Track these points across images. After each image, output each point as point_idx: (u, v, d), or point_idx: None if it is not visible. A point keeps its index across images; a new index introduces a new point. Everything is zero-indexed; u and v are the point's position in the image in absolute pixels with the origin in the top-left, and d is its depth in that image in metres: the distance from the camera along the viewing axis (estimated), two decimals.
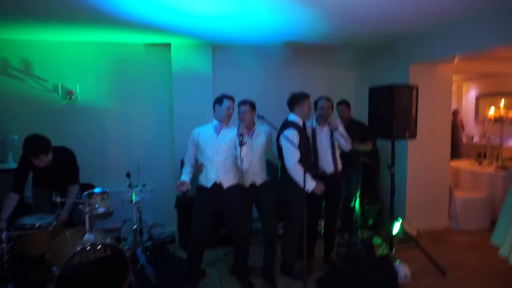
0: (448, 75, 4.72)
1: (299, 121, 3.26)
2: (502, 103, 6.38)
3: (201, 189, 3.10)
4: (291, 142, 2.90)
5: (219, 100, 3.05)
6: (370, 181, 4.84)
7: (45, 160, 3.05)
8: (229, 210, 3.10)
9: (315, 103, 3.55)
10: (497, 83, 8.33)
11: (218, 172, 3.03)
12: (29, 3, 2.92)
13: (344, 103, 4.32)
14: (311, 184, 3.13)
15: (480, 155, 5.52)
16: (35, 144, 2.99)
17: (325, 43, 4.70)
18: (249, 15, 3.36)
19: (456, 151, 7.69)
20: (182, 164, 4.31)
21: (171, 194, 4.49)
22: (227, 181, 3.08)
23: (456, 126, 7.83)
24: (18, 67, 4.15)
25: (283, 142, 3.09)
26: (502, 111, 6.16)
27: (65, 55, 4.28)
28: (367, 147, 4.02)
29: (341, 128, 3.35)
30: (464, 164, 5.42)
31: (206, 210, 3.08)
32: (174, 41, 4.36)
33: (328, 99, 3.52)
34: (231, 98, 3.05)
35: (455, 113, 8.19)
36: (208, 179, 3.05)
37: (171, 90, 4.46)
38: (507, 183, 4.38)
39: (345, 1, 2.97)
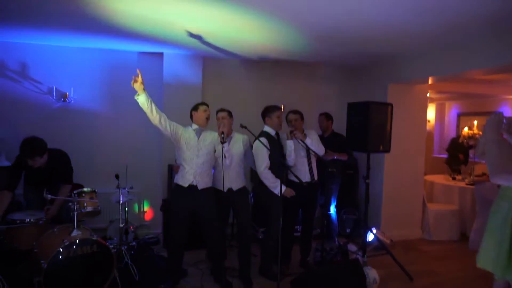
0: (423, 95, 5.03)
1: (271, 131, 3.51)
2: (476, 123, 6.76)
3: (178, 188, 3.24)
4: (262, 148, 3.13)
5: (194, 108, 3.30)
6: (348, 191, 5.10)
7: (39, 161, 3.19)
8: (202, 211, 3.24)
9: (286, 117, 3.73)
10: (477, 103, 8.79)
11: (195, 174, 3.18)
12: (29, 9, 3.07)
13: (323, 115, 4.62)
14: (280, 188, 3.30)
15: (455, 171, 5.82)
16: (32, 146, 3.13)
17: (311, 61, 4.98)
18: (238, 33, 3.60)
19: None
20: (169, 169, 4.50)
21: (158, 198, 4.64)
22: (203, 183, 3.23)
23: None
24: (15, 69, 4.29)
25: (254, 148, 3.35)
26: (475, 131, 6.51)
27: (60, 60, 4.44)
28: (342, 157, 4.27)
29: (308, 140, 3.53)
30: (439, 179, 5.71)
31: (183, 210, 3.23)
32: (167, 50, 4.57)
33: (295, 112, 3.70)
34: (204, 104, 3.31)
35: None
36: (185, 179, 3.19)
37: (162, 98, 4.64)
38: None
39: (331, 24, 3.18)
